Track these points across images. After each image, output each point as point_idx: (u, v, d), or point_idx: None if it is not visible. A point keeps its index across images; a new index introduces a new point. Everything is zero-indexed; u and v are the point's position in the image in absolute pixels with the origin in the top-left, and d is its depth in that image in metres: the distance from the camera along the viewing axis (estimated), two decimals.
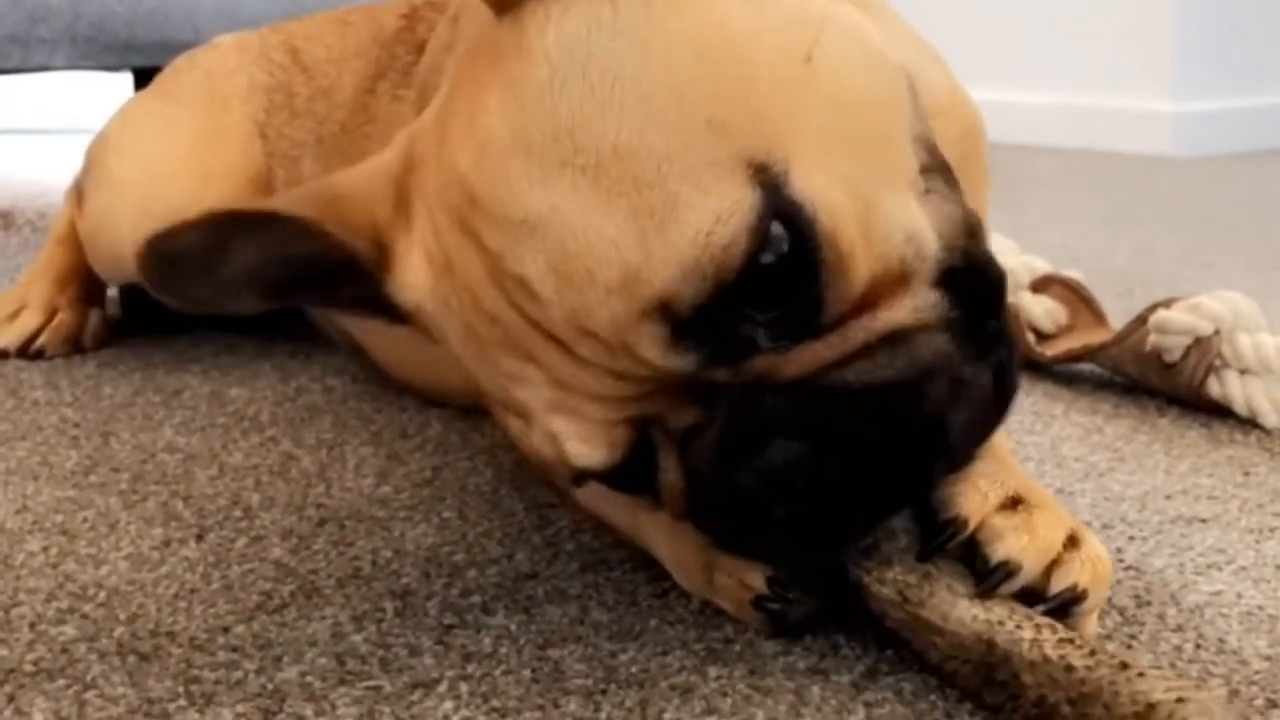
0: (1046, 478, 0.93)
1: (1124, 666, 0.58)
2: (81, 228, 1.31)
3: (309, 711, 0.64)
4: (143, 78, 2.13)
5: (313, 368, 1.25)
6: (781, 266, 0.56)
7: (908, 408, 0.59)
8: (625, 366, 0.58)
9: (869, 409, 0.58)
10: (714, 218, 0.55)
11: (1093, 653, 0.59)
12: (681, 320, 0.56)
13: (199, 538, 0.86)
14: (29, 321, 1.32)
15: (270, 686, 0.67)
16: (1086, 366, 1.17)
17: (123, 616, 0.75)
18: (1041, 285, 1.22)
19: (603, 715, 0.64)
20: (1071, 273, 1.23)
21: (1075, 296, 1.20)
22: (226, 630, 0.73)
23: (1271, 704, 0.64)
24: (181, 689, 0.67)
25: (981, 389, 0.61)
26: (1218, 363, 1.05)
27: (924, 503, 0.66)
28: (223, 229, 0.64)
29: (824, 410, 0.58)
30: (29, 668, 0.69)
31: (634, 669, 0.68)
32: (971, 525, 0.65)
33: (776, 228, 0.56)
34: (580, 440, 0.61)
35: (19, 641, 0.72)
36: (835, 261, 0.57)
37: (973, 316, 0.60)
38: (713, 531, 0.67)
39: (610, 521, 0.83)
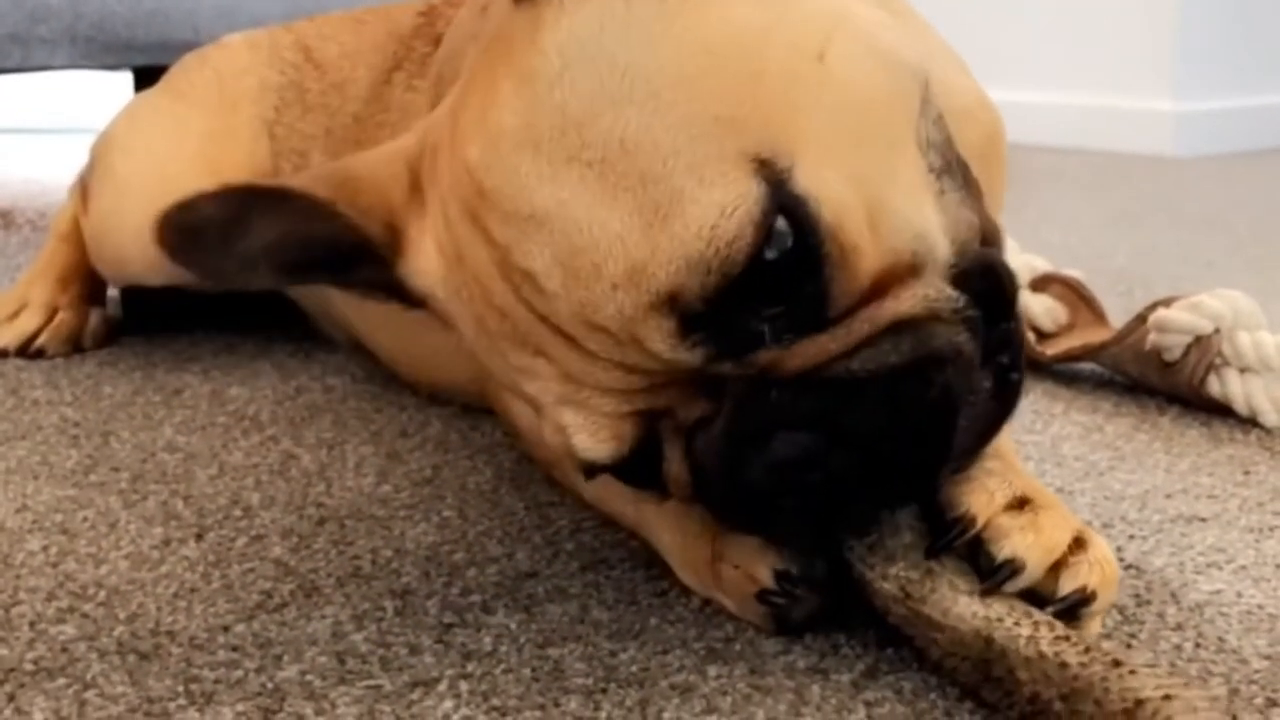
0: (1047, 476, 0.93)
1: (1116, 664, 0.58)
2: (86, 227, 1.31)
3: (309, 710, 0.65)
4: (143, 77, 2.13)
5: (312, 367, 1.25)
6: (786, 261, 0.56)
7: (914, 393, 0.59)
8: (633, 360, 0.59)
9: (875, 396, 0.58)
10: (719, 211, 0.55)
11: (1087, 650, 0.59)
12: (688, 314, 0.56)
13: (199, 537, 0.86)
14: (29, 321, 1.32)
15: (270, 685, 0.67)
16: (1087, 365, 1.17)
17: (123, 615, 0.75)
18: (1042, 284, 1.22)
19: (603, 714, 0.64)
20: (1072, 272, 1.23)
21: (1075, 295, 1.20)
22: (226, 629, 0.73)
23: (1271, 702, 0.64)
24: (181, 688, 0.67)
25: (984, 391, 0.61)
26: (1218, 361, 1.05)
27: (931, 500, 0.66)
28: (240, 203, 0.65)
29: (830, 401, 0.59)
30: (29, 667, 0.69)
31: (634, 668, 0.68)
32: (979, 523, 0.65)
33: (780, 222, 0.56)
34: (589, 434, 0.62)
35: (19, 640, 0.72)
36: (839, 256, 0.57)
37: (984, 317, 0.60)
38: (721, 516, 0.67)
39: (616, 514, 0.83)
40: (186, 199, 0.64)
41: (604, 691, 0.66)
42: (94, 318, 1.35)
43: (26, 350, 1.30)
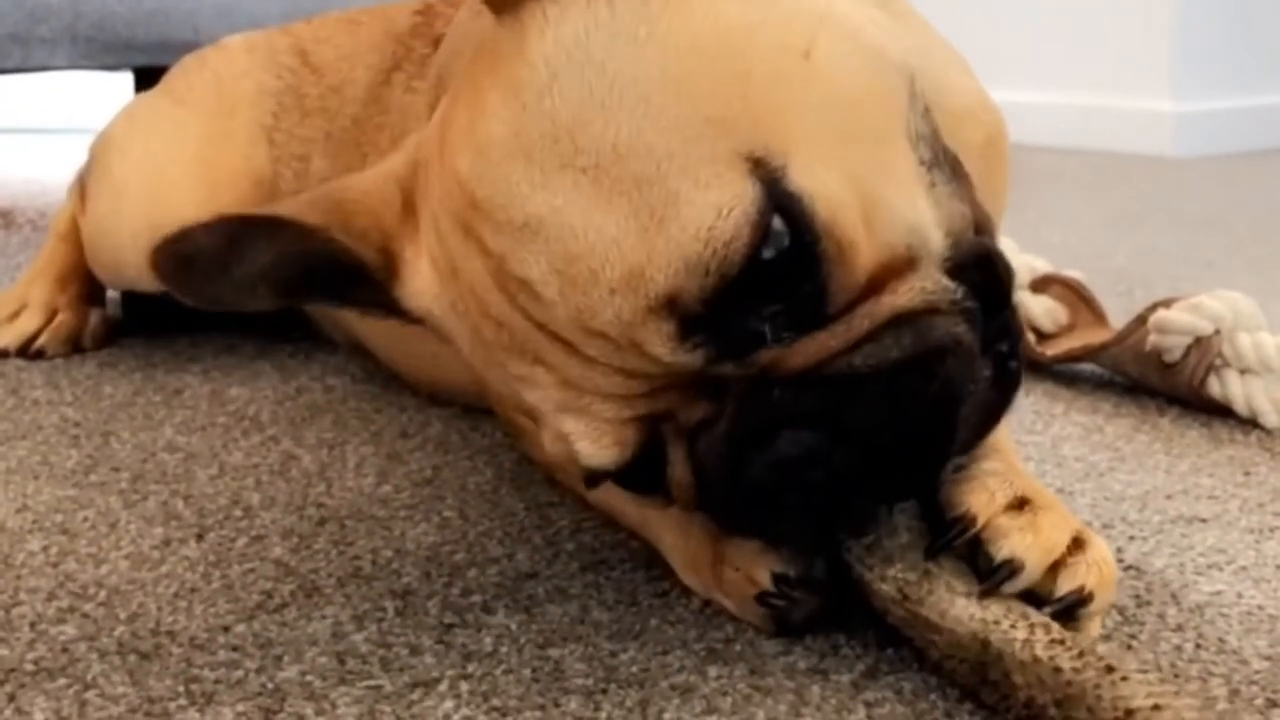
0: (1047, 477, 0.93)
1: (1110, 670, 0.58)
2: (83, 230, 1.31)
3: (309, 710, 0.65)
4: (143, 77, 2.13)
5: (313, 367, 1.25)
6: (783, 260, 0.56)
7: (916, 387, 0.59)
8: (633, 364, 0.59)
9: (877, 392, 0.59)
10: (715, 213, 0.55)
11: (1081, 654, 0.59)
12: (687, 316, 0.56)
13: (199, 537, 0.86)
14: (29, 322, 1.32)
15: (271, 685, 0.67)
16: (1087, 366, 1.17)
17: (123, 616, 0.75)
18: (1042, 285, 1.22)
19: (603, 715, 0.64)
20: (1072, 272, 1.23)
21: (1075, 296, 1.20)
22: (227, 629, 0.73)
23: (1272, 703, 0.64)
24: (182, 688, 0.67)
25: (984, 380, 0.61)
26: (1218, 362, 1.05)
27: (931, 499, 0.66)
28: (234, 232, 0.65)
29: (832, 398, 0.59)
30: (29, 667, 0.69)
31: (634, 668, 0.68)
32: (979, 523, 0.65)
33: (777, 221, 0.56)
34: (591, 440, 0.62)
35: (19, 641, 0.72)
36: (836, 253, 0.57)
37: (981, 307, 0.60)
38: (724, 519, 0.67)
39: (618, 515, 0.83)
40: (181, 230, 0.65)
41: (604, 692, 0.66)
42: (94, 318, 1.35)
43: (27, 351, 1.30)
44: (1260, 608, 0.74)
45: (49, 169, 2.73)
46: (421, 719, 0.64)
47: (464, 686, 0.66)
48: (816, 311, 0.58)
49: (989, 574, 0.64)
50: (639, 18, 0.59)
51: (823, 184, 0.57)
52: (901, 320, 0.59)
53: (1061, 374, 1.17)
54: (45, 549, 0.84)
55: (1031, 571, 0.64)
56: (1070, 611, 0.64)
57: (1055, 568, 0.65)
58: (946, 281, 0.60)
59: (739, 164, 0.56)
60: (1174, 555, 0.80)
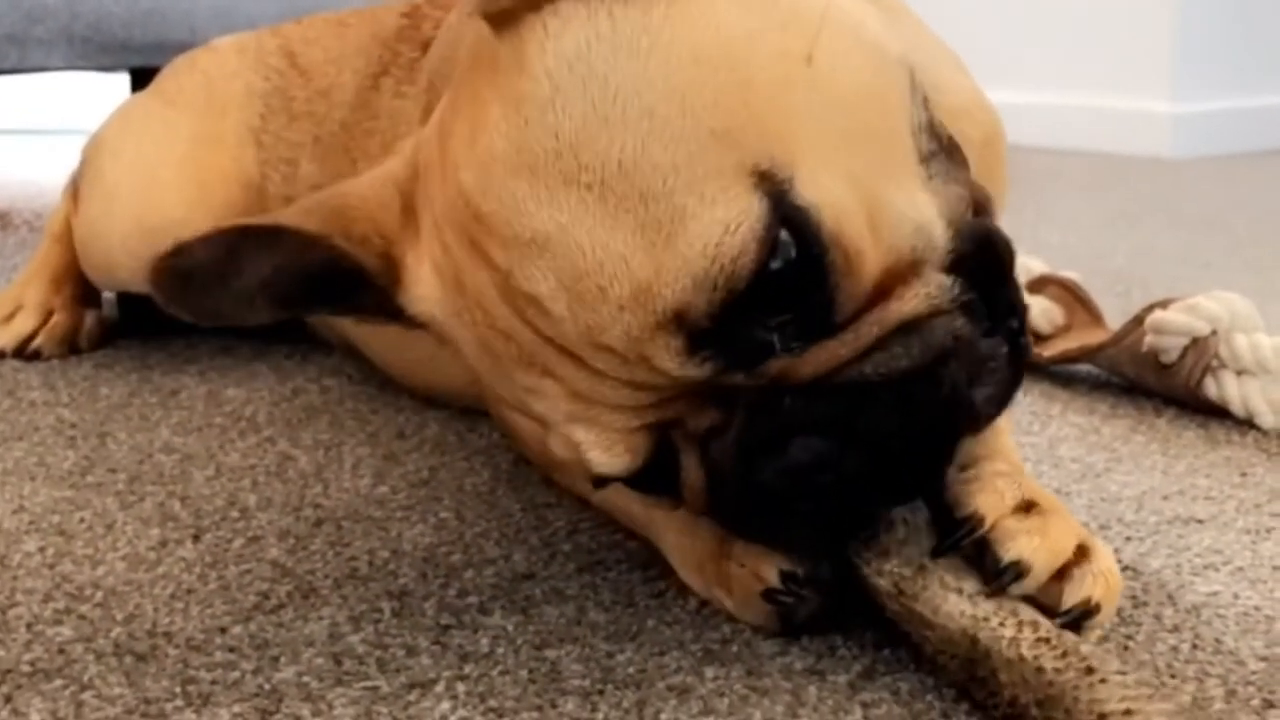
0: (1044, 478, 0.93)
1: (1089, 671, 0.58)
2: (75, 232, 1.31)
3: (306, 712, 0.64)
4: (140, 78, 2.13)
5: (309, 368, 1.25)
6: (791, 271, 0.56)
7: (926, 393, 0.59)
8: (642, 377, 0.59)
9: (889, 399, 0.59)
10: (722, 228, 0.55)
11: (1065, 655, 0.59)
12: (696, 330, 0.56)
13: (196, 538, 0.85)
14: (25, 323, 1.32)
15: (267, 687, 0.67)
16: (1084, 367, 1.17)
17: (120, 617, 0.75)
18: (1039, 286, 1.22)
19: (600, 715, 0.64)
20: (1069, 273, 1.23)
21: (1072, 297, 1.21)
22: (223, 630, 0.73)
23: (1268, 704, 0.64)
24: (178, 689, 0.67)
25: (1000, 359, 0.61)
26: (1215, 363, 1.05)
27: (938, 499, 0.66)
28: (232, 244, 0.65)
29: (844, 405, 0.59)
30: (26, 668, 0.69)
31: (631, 669, 0.68)
32: (988, 523, 0.65)
33: (784, 234, 0.56)
34: (602, 449, 0.62)
35: (16, 642, 0.72)
36: (843, 262, 0.57)
37: (985, 292, 0.61)
38: (734, 525, 0.67)
39: (620, 513, 0.83)
40: (179, 244, 0.64)
41: (601, 693, 0.66)
42: (89, 319, 1.35)
43: (23, 352, 1.30)
44: (1257, 608, 0.74)
45: (45, 170, 2.72)
46: (418, 719, 0.64)
47: (461, 687, 0.66)
48: (825, 321, 0.58)
49: (996, 575, 0.64)
50: (640, 29, 0.58)
51: (829, 193, 0.57)
52: (909, 326, 0.59)
53: (1058, 375, 1.17)
54: (42, 550, 0.84)
55: (1038, 574, 0.64)
56: (1076, 624, 0.64)
57: (1061, 577, 0.65)
58: (947, 281, 0.60)
59: (745, 178, 0.56)
60: (1170, 556, 0.80)
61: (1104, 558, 0.66)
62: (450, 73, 0.73)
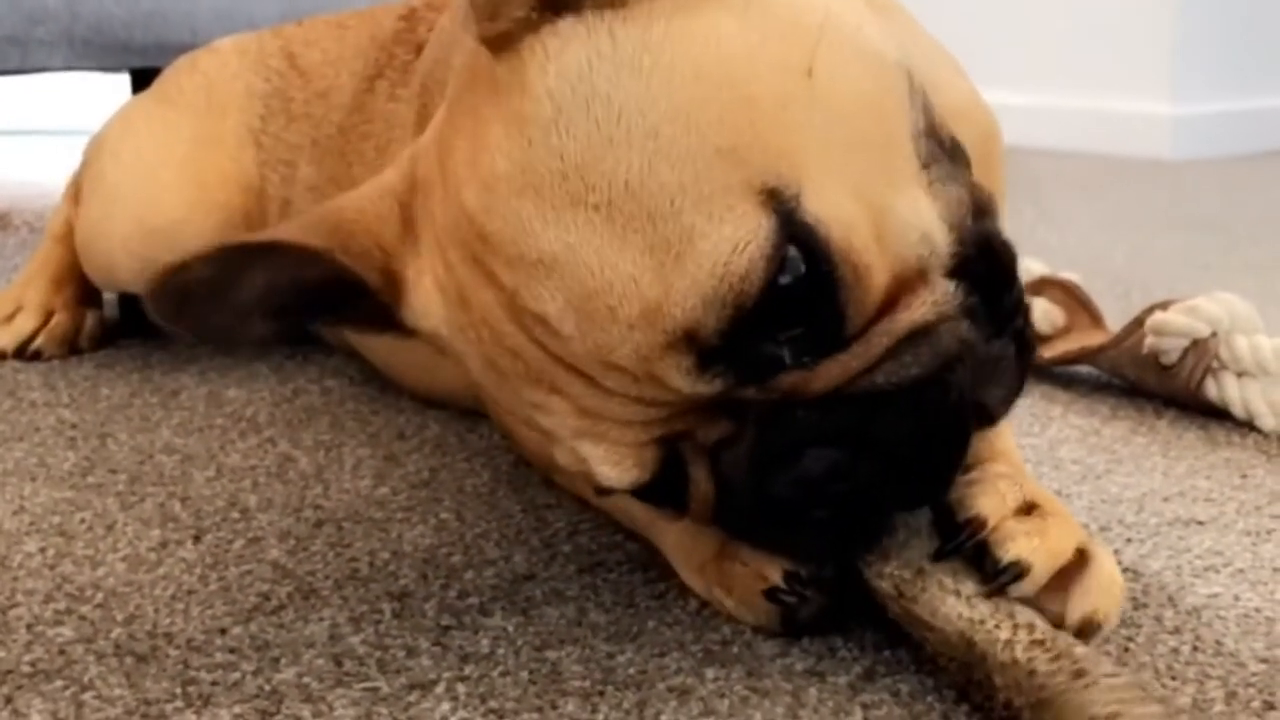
0: (1044, 480, 0.93)
1: (1079, 675, 0.58)
2: (76, 233, 1.31)
3: (306, 713, 0.64)
4: (141, 79, 2.13)
5: (310, 369, 1.25)
6: (800, 286, 0.56)
7: (937, 399, 0.59)
8: (652, 394, 0.59)
9: (900, 408, 0.59)
10: (730, 247, 0.55)
11: (1057, 658, 0.59)
12: (707, 348, 0.56)
13: (196, 539, 0.85)
14: (25, 323, 1.32)
15: (268, 688, 0.67)
16: (1084, 369, 1.17)
17: (120, 618, 0.75)
18: (1039, 287, 1.22)
19: (600, 717, 0.64)
20: (1069, 275, 1.23)
21: (1073, 299, 1.20)
22: (224, 631, 0.73)
23: (1268, 706, 0.64)
24: (179, 690, 0.67)
25: (1008, 360, 0.62)
26: (1215, 365, 1.05)
27: (941, 502, 0.66)
28: (229, 260, 0.64)
29: (856, 415, 0.59)
30: (26, 669, 0.69)
31: (631, 670, 0.68)
32: (990, 525, 0.65)
33: (792, 250, 0.56)
34: (610, 464, 0.62)
35: (16, 643, 0.72)
36: (852, 276, 0.57)
37: (989, 295, 0.61)
38: (743, 535, 0.67)
39: (621, 515, 0.83)
40: (177, 262, 0.64)
41: (601, 694, 0.66)
42: (90, 319, 1.35)
43: (23, 352, 1.30)
44: (1257, 610, 0.74)
45: (46, 170, 2.72)
46: None
47: (461, 688, 0.66)
48: (835, 334, 0.58)
49: (995, 575, 0.64)
50: (641, 47, 0.58)
51: (835, 206, 0.57)
52: (917, 334, 0.59)
53: (1059, 376, 1.17)
54: (42, 550, 0.84)
55: (1038, 575, 0.64)
56: (1083, 634, 0.64)
57: (1064, 588, 0.65)
58: (951, 287, 0.60)
59: (752, 195, 0.56)
60: (1171, 558, 0.80)
61: (1105, 565, 0.67)
62: (443, 76, 0.73)
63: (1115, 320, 1.19)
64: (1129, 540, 0.83)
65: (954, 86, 0.77)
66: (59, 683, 0.68)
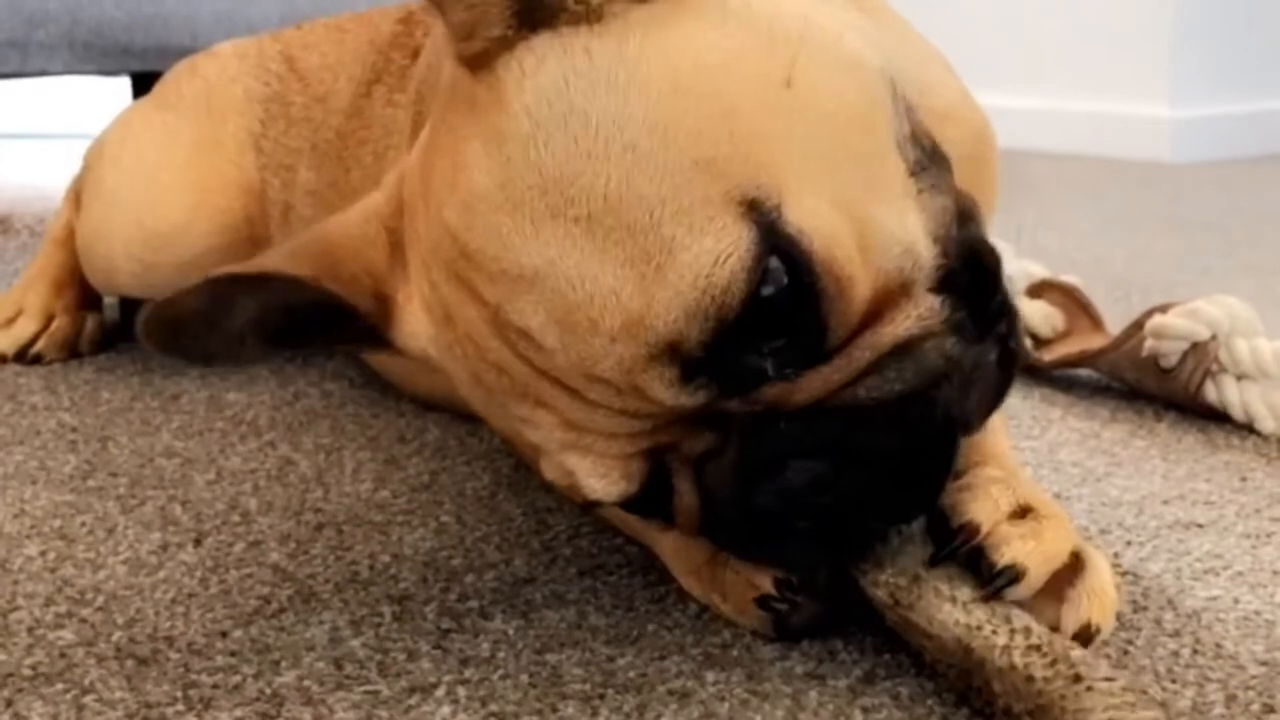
0: (1044, 482, 0.93)
1: (1076, 680, 0.58)
2: (77, 237, 1.31)
3: (307, 716, 0.65)
4: (141, 83, 2.13)
5: (310, 372, 1.25)
6: (782, 298, 0.56)
7: (921, 415, 0.59)
8: (636, 406, 0.59)
9: (883, 422, 0.59)
10: (712, 259, 0.55)
11: (1054, 663, 0.59)
12: (689, 360, 0.56)
13: (197, 542, 0.86)
14: (26, 327, 1.32)
15: (268, 691, 0.67)
16: (1084, 372, 1.17)
17: (121, 621, 0.75)
18: (1039, 290, 1.22)
19: None
20: (1069, 278, 1.23)
21: (1073, 302, 1.21)
22: (225, 635, 0.73)
23: (1268, 708, 0.64)
24: (180, 693, 0.67)
25: (989, 365, 0.62)
26: (1215, 368, 1.05)
27: (934, 508, 0.66)
28: (220, 291, 0.65)
29: (839, 428, 0.59)
30: (27, 672, 0.69)
31: (632, 674, 0.68)
32: (984, 531, 0.65)
33: (774, 261, 0.56)
34: (597, 476, 0.62)
35: (17, 646, 0.72)
36: (835, 288, 0.57)
37: (975, 304, 0.61)
38: (729, 547, 0.67)
39: (617, 522, 0.83)
40: (169, 297, 0.65)
41: (601, 697, 0.66)
42: (90, 323, 1.35)
43: (24, 356, 1.30)
44: (1257, 613, 0.74)
45: (47, 174, 2.73)
46: None
47: (461, 691, 0.67)
48: (817, 346, 0.58)
49: (991, 580, 0.64)
50: (617, 62, 0.58)
51: (817, 217, 0.57)
52: (901, 349, 0.59)
53: (1059, 379, 1.18)
54: (43, 554, 0.84)
55: (1033, 579, 0.64)
56: (1079, 642, 0.64)
57: (1058, 598, 0.65)
58: (936, 302, 0.60)
59: (732, 207, 0.56)
60: (1171, 560, 0.80)
61: (1099, 572, 0.66)
62: (437, 82, 0.73)
63: (1115, 323, 1.19)
64: (1128, 543, 0.83)
65: (944, 86, 0.77)
66: (60, 686, 0.68)
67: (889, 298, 0.59)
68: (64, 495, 0.94)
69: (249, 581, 0.80)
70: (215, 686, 0.67)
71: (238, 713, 0.65)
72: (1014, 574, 0.63)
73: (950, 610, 0.63)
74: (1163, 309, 1.08)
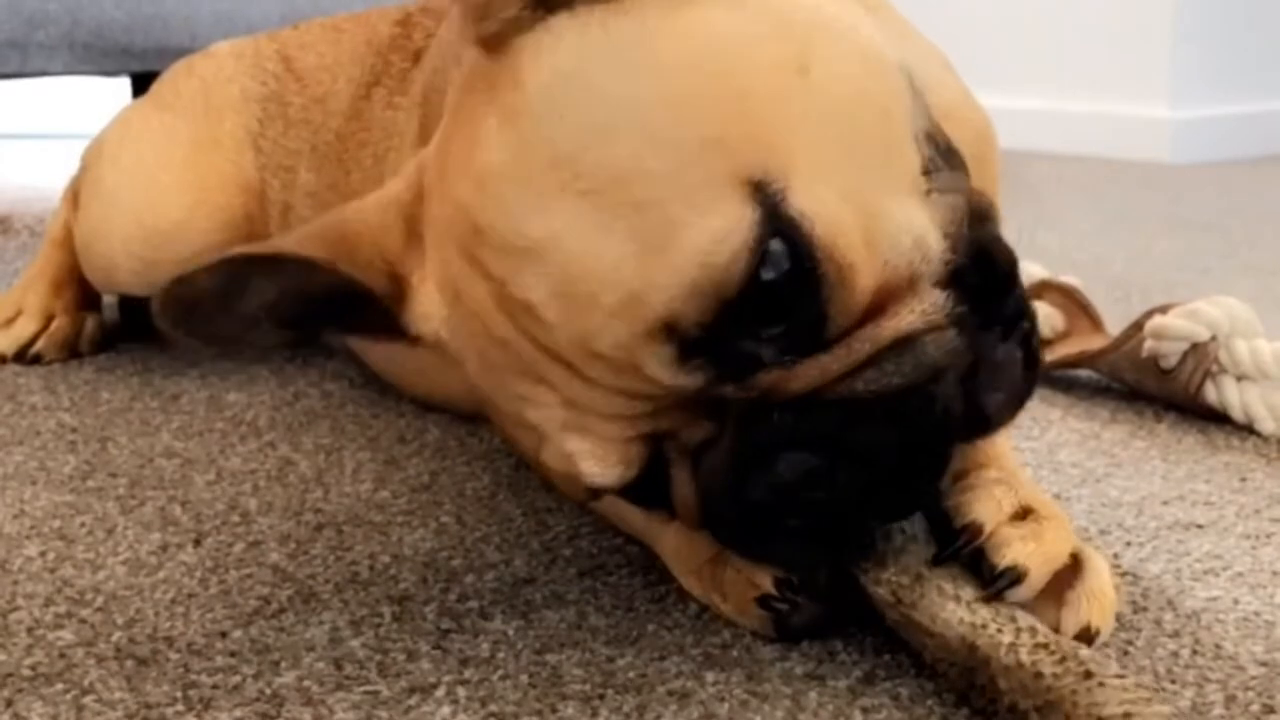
0: (1044, 483, 0.93)
1: (1087, 676, 0.58)
2: (76, 237, 1.31)
3: (307, 716, 0.65)
4: (141, 83, 2.13)
5: (310, 372, 1.25)
6: (783, 282, 0.56)
7: (919, 411, 0.59)
8: (634, 386, 0.59)
9: (880, 416, 0.59)
10: (712, 238, 0.55)
11: (1063, 660, 0.59)
12: (686, 339, 0.56)
13: (196, 543, 0.86)
14: (26, 327, 1.32)
15: (268, 691, 0.67)
16: (1084, 372, 1.17)
17: (120, 621, 0.75)
18: (1039, 291, 1.22)
19: None
20: (1069, 278, 1.23)
21: (1072, 302, 1.21)
22: (224, 635, 0.73)
23: (1267, 709, 0.64)
24: (179, 694, 0.67)
25: (1014, 364, 0.61)
26: (1215, 369, 1.05)
27: (934, 509, 0.66)
28: (236, 271, 0.65)
29: (833, 421, 0.59)
30: (27, 672, 0.69)
31: (631, 674, 0.68)
32: (986, 531, 0.65)
33: (776, 244, 0.56)
34: (595, 459, 0.62)
35: (17, 646, 0.72)
36: (837, 275, 0.57)
37: (989, 301, 0.60)
38: (727, 540, 0.67)
39: (617, 520, 0.83)
40: (184, 274, 0.65)
41: (601, 698, 0.66)
42: (90, 323, 1.35)
43: (24, 356, 1.30)
44: (1256, 613, 0.74)
45: (46, 174, 2.73)
46: None
47: (461, 692, 0.67)
48: (817, 335, 0.58)
49: (992, 581, 0.64)
50: (634, 40, 0.58)
51: (823, 204, 0.57)
52: (902, 344, 0.59)
53: (1058, 380, 1.18)
54: (43, 554, 0.84)
55: (1034, 579, 0.64)
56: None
57: (1058, 601, 0.65)
58: (942, 298, 0.59)
59: (738, 187, 0.56)
60: (1170, 561, 0.80)
61: (1098, 574, 0.66)
62: (444, 86, 0.73)
63: (1115, 324, 1.19)
64: (1128, 544, 0.83)
65: (946, 85, 0.77)
66: (59, 686, 0.68)
67: (894, 291, 0.59)
68: (64, 496, 0.94)
69: (249, 582, 0.80)
70: (215, 687, 0.67)
71: (238, 713, 0.65)
72: (1015, 575, 0.63)
73: (954, 609, 0.63)
74: (1162, 310, 1.08)
